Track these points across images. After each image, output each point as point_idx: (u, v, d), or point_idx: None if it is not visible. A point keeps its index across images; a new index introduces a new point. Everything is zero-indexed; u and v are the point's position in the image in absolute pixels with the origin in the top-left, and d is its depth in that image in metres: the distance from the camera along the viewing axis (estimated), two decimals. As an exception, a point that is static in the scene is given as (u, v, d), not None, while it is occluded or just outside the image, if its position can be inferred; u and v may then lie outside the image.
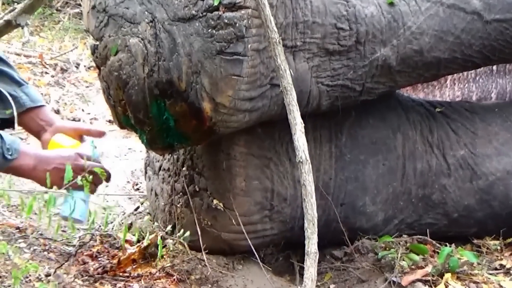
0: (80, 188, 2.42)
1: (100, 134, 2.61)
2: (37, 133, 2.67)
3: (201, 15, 2.21)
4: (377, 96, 2.66)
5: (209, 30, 2.20)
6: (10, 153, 2.36)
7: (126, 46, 2.32)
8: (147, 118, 2.35)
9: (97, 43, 2.43)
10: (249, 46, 2.21)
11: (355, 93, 2.57)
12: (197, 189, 2.63)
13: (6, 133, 2.41)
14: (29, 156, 2.41)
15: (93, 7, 2.41)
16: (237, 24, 2.19)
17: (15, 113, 2.60)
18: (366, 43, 2.48)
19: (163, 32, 2.25)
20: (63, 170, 2.39)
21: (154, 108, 2.31)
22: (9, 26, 2.09)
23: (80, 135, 2.63)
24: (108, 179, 2.50)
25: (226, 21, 2.18)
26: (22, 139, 4.00)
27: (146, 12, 2.28)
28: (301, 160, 2.12)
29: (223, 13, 2.19)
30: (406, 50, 2.56)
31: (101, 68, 2.44)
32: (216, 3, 2.18)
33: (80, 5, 6.88)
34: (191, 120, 2.29)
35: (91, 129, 2.64)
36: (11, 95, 2.62)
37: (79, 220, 2.47)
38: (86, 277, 2.54)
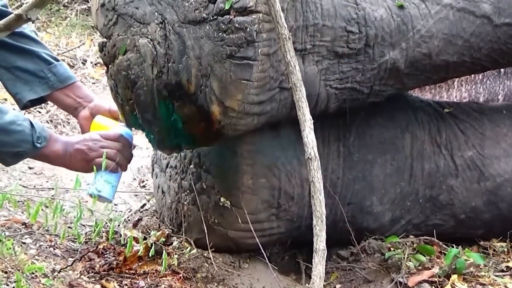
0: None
1: None
2: (74, 109, 2.72)
3: (211, 18, 2.19)
4: (385, 98, 2.65)
5: (220, 34, 2.19)
6: (39, 141, 2.42)
7: (135, 46, 2.31)
8: (155, 118, 2.34)
9: (106, 40, 2.42)
10: (259, 50, 2.20)
11: (363, 95, 2.57)
12: (204, 187, 2.63)
13: (36, 121, 2.47)
14: (58, 143, 2.49)
15: (102, 5, 2.40)
16: (248, 29, 2.17)
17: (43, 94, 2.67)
18: (375, 46, 2.47)
19: (173, 34, 2.24)
20: (84, 151, 2.49)
21: (163, 109, 2.31)
22: (19, 20, 2.08)
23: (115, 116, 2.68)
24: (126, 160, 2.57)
25: (237, 25, 2.17)
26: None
27: (156, 13, 2.27)
28: (310, 157, 2.11)
29: (234, 17, 2.17)
30: (415, 53, 2.54)
31: (109, 66, 2.43)
32: (227, 7, 2.17)
33: (87, 1, 6.87)
34: (200, 122, 2.29)
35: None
36: (39, 76, 2.65)
37: (107, 198, 2.53)
38: (92, 274, 2.54)
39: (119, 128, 2.61)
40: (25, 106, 2.70)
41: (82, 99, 2.71)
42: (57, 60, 2.71)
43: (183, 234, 2.72)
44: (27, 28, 2.70)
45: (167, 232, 2.72)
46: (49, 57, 2.69)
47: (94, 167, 2.47)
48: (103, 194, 2.52)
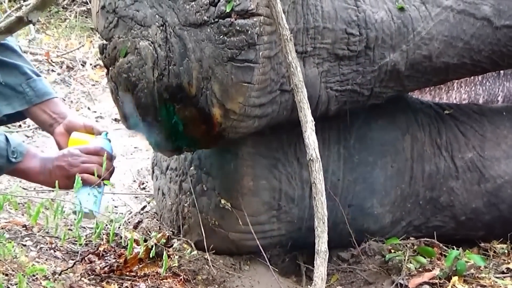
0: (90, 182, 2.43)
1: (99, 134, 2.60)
2: (49, 126, 2.66)
3: (213, 21, 2.19)
4: (385, 100, 2.65)
5: (221, 37, 2.18)
6: (15, 156, 2.38)
7: (136, 48, 2.31)
8: (156, 121, 2.34)
9: (106, 43, 2.42)
10: (260, 53, 2.19)
11: (363, 97, 2.57)
12: (205, 189, 2.63)
13: (12, 136, 2.43)
14: (35, 159, 2.44)
15: (103, 7, 2.40)
16: (249, 32, 2.17)
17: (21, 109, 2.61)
18: (375, 48, 2.47)
19: (174, 36, 2.24)
20: (64, 168, 2.43)
21: (163, 111, 2.30)
22: (20, 22, 2.07)
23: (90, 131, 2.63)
24: (110, 173, 2.51)
25: (238, 28, 2.17)
26: (28, 136, 4.02)
27: (156, 16, 2.27)
28: (311, 158, 2.11)
29: (235, 20, 2.16)
30: (415, 56, 2.54)
31: (110, 68, 2.42)
32: (228, 10, 2.16)
33: (86, 3, 6.87)
34: (200, 125, 2.29)
35: (95, 128, 2.63)
36: (17, 90, 2.61)
37: (92, 214, 2.46)
38: (93, 276, 2.53)
39: (98, 141, 2.56)
40: (1, 121, 2.65)
41: (57, 115, 2.64)
42: (38, 75, 2.67)
43: (184, 236, 2.72)
44: (13, 42, 2.67)
45: (167, 234, 2.72)
46: (29, 71, 2.64)
47: (95, 178, 2.42)
48: (89, 209, 2.44)
